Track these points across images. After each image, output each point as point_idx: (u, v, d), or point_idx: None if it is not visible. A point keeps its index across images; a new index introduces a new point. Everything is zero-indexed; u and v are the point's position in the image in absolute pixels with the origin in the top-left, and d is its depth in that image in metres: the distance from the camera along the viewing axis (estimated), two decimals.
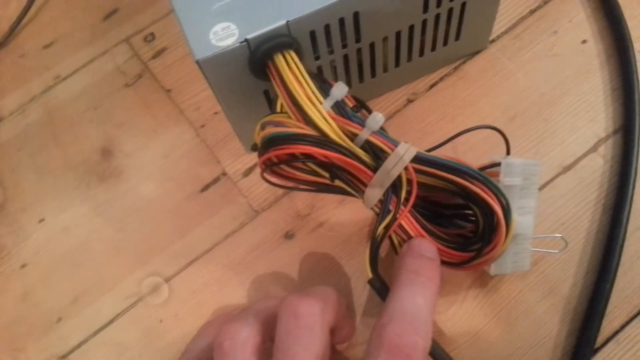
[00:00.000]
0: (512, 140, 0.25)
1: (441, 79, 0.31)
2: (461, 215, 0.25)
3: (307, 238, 0.28)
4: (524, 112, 0.29)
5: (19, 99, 0.33)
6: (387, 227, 0.23)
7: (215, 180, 0.30)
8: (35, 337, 0.27)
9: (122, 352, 0.26)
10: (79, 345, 0.27)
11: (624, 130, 0.27)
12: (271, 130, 0.23)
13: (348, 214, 0.28)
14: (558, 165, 0.27)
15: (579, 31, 0.31)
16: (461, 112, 0.29)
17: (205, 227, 0.29)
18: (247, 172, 0.30)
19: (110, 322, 0.27)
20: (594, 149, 0.28)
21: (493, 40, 0.31)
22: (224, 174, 0.30)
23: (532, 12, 0.32)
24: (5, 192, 0.30)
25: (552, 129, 0.28)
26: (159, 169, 0.30)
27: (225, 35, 0.22)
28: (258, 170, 0.26)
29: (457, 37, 0.29)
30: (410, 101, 0.30)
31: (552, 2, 0.32)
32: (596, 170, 0.27)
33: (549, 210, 0.27)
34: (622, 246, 0.25)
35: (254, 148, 0.25)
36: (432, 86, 0.31)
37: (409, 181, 0.23)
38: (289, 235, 0.28)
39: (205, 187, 0.30)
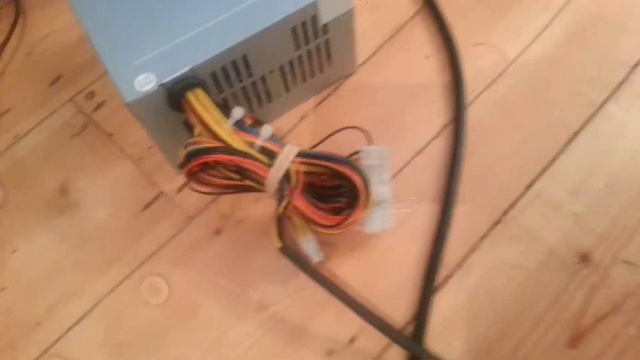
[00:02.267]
0: (379, 137, 0.33)
1: (325, 98, 0.40)
2: (340, 193, 0.33)
3: (232, 232, 0.35)
4: (387, 116, 0.38)
5: None
6: (285, 208, 0.31)
7: (155, 199, 0.37)
8: (21, 338, 0.33)
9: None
10: (57, 341, 0.33)
11: (456, 120, 0.37)
12: (189, 147, 0.31)
13: (262, 208, 0.36)
14: (413, 150, 0.36)
15: (423, 49, 0.40)
16: (342, 121, 0.38)
17: (151, 236, 0.36)
18: (180, 189, 0.37)
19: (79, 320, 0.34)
20: (437, 135, 0.37)
21: (362, 64, 0.41)
22: (162, 193, 0.37)
23: (389, 39, 0.41)
24: None
25: (407, 125, 0.37)
26: (107, 197, 0.38)
27: (145, 83, 0.30)
28: (188, 185, 0.34)
29: (330, 65, 0.38)
30: (303, 117, 0.39)
31: (402, 30, 0.41)
32: (440, 149, 0.36)
33: (410, 181, 0.35)
34: (454, 198, 0.34)
35: (180, 166, 0.33)
36: (318, 104, 0.39)
37: (297, 172, 0.31)
38: (217, 232, 0.36)
39: (147, 206, 0.37)
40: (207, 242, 0.35)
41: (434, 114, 0.38)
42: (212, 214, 0.36)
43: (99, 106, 0.41)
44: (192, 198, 0.37)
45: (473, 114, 0.37)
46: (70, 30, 0.45)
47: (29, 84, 0.43)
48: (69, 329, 0.34)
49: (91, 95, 0.42)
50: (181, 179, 0.37)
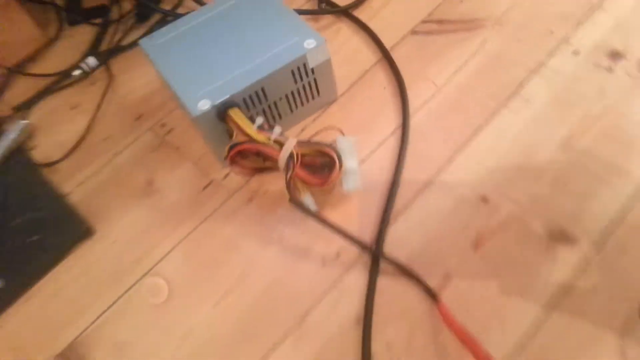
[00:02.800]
0: (352, 134, 0.53)
1: (318, 116, 0.60)
2: (322, 168, 0.53)
3: (260, 199, 0.55)
4: (358, 124, 0.58)
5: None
6: (290, 176, 0.51)
7: (209, 184, 0.57)
8: (127, 270, 0.53)
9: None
10: (152, 267, 0.53)
11: (403, 125, 0.57)
12: (231, 143, 0.52)
13: (277, 185, 0.55)
14: (376, 142, 0.56)
15: (381, 83, 0.61)
16: (329, 130, 0.58)
17: (207, 206, 0.56)
18: (225, 177, 0.57)
19: (166, 255, 0.53)
20: (392, 134, 0.57)
21: (341, 95, 0.61)
22: (213, 180, 0.57)
23: (358, 79, 0.62)
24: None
25: (371, 128, 0.57)
26: (177, 185, 0.58)
27: (203, 105, 0.51)
28: (231, 169, 0.54)
29: (318, 95, 0.59)
30: (303, 129, 0.59)
31: (367, 73, 0.62)
32: (394, 144, 0.56)
33: (373, 165, 0.55)
34: (401, 172, 0.53)
35: (225, 158, 0.53)
36: (313, 120, 0.60)
37: (297, 153, 0.51)
38: (249, 200, 0.55)
39: (204, 188, 0.57)
40: (243, 206, 0.55)
41: (389, 121, 0.58)
42: (246, 190, 0.56)
43: (169, 132, 0.62)
44: (232, 181, 0.57)
45: (413, 121, 0.57)
46: (146, 86, 0.67)
47: (121, 120, 0.65)
48: (160, 260, 0.53)
49: (163, 124, 0.63)
50: (225, 170, 0.58)
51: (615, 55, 0.58)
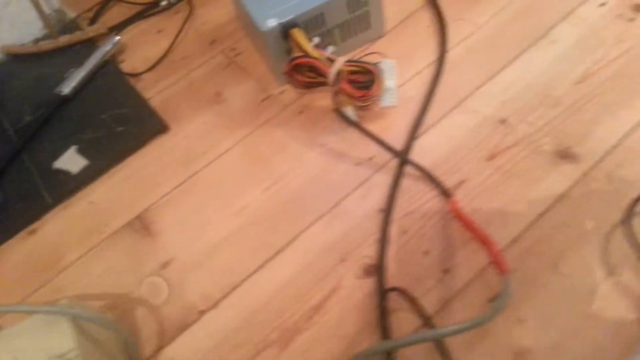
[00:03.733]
0: (396, 58, 0.61)
1: (363, 50, 0.68)
2: (366, 86, 0.61)
3: (309, 112, 0.64)
4: (401, 52, 0.66)
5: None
6: (338, 89, 0.60)
7: (267, 97, 0.67)
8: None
9: None
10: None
11: (440, 56, 0.64)
12: (291, 57, 0.61)
13: (325, 102, 0.64)
14: (415, 70, 0.64)
15: (425, 23, 0.69)
16: (374, 53, 0.66)
17: (264, 115, 0.65)
18: (281, 93, 0.67)
19: (227, 150, 0.63)
20: (430, 64, 0.65)
21: (390, 30, 0.69)
22: (271, 95, 0.67)
23: (405, 18, 0.70)
24: None
25: (413, 56, 0.65)
26: (241, 96, 0.67)
27: (271, 22, 0.60)
28: (289, 81, 0.63)
29: (369, 27, 0.67)
30: (353, 57, 0.68)
31: (413, 15, 0.70)
32: (431, 72, 0.64)
33: (411, 88, 0.63)
34: (433, 94, 0.61)
35: (284, 71, 0.62)
36: (363, 51, 0.68)
37: (344, 70, 0.60)
38: (300, 112, 0.65)
39: (263, 100, 0.66)
40: (295, 117, 0.64)
41: (429, 53, 0.66)
42: (298, 104, 0.65)
43: (237, 55, 0.72)
44: (287, 97, 0.66)
45: (451, 54, 0.65)
46: (220, 17, 0.77)
47: (198, 44, 0.75)
48: (222, 154, 0.63)
49: (233, 49, 0.73)
50: (282, 87, 0.67)
51: (638, 7, 0.63)
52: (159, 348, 0.50)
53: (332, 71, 0.58)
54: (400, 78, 0.64)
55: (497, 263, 0.45)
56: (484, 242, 0.48)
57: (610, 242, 0.48)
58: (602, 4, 0.65)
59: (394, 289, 0.49)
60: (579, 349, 0.44)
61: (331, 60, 0.59)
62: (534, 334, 0.45)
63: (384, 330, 0.47)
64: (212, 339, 0.50)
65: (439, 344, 0.45)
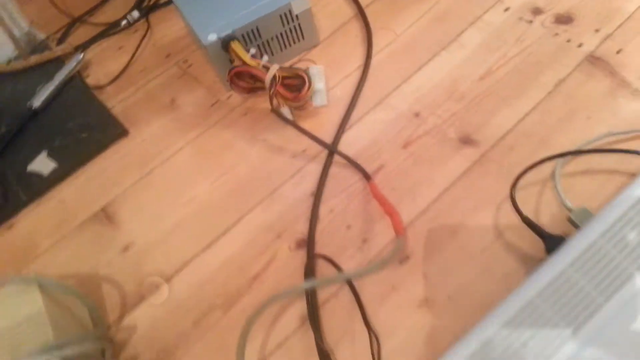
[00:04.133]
0: (324, 64, 0.71)
1: (299, 58, 0.78)
2: (298, 88, 0.70)
3: (252, 113, 0.73)
4: (330, 58, 0.75)
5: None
6: (273, 93, 0.68)
7: (216, 102, 0.75)
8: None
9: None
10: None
11: (365, 61, 0.74)
12: (231, 66, 0.70)
13: (266, 105, 0.73)
14: (344, 74, 0.73)
15: (354, 33, 0.78)
16: (305, 61, 0.75)
17: (213, 117, 0.74)
18: (228, 97, 0.76)
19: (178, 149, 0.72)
20: (357, 68, 0.74)
21: (323, 40, 0.78)
22: (219, 100, 0.76)
23: (335, 30, 0.79)
24: None
25: (344, 64, 0.75)
26: (193, 102, 0.76)
27: (212, 37, 0.69)
28: (232, 87, 0.72)
29: (303, 38, 0.76)
30: (290, 65, 0.77)
31: (344, 26, 0.79)
32: (358, 76, 0.73)
33: (340, 90, 0.72)
34: (358, 94, 0.70)
35: (227, 79, 0.71)
36: (299, 59, 0.77)
37: (278, 75, 0.69)
38: (245, 114, 0.73)
39: (212, 105, 0.75)
40: (240, 119, 0.73)
41: (356, 60, 0.75)
42: (243, 107, 0.74)
43: (189, 66, 0.81)
44: (233, 101, 0.75)
45: (375, 60, 0.74)
46: (174, 34, 0.86)
47: (155, 57, 0.84)
48: (175, 153, 0.72)
49: (186, 61, 0.82)
50: (229, 93, 0.76)
51: (536, 10, 0.73)
52: (121, 316, 0.58)
53: (268, 77, 0.67)
54: (330, 81, 0.73)
55: (395, 227, 0.53)
56: (390, 213, 0.57)
57: (500, 211, 0.58)
58: (506, 9, 0.75)
59: (320, 256, 0.58)
60: (474, 296, 0.53)
61: (267, 68, 0.68)
62: (435, 286, 0.54)
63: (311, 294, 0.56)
64: (166, 306, 0.58)
65: (357, 297, 0.54)
